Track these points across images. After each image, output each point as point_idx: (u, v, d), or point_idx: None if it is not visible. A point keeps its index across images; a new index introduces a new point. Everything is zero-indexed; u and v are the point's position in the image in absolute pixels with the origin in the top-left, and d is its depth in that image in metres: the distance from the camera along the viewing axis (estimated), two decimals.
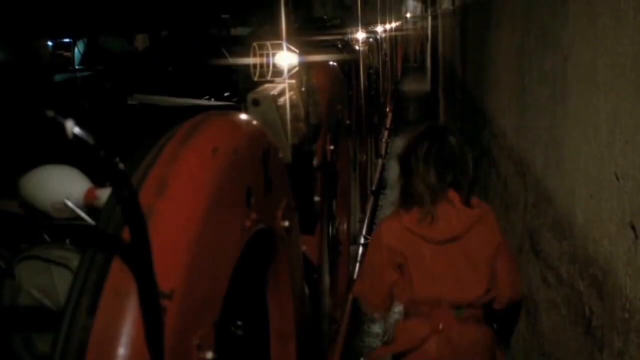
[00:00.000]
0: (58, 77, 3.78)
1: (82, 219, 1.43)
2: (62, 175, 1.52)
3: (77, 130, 0.95)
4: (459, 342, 2.78)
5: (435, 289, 2.77)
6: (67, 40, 4.51)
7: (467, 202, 2.76)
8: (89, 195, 1.48)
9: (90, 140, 0.96)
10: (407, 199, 2.83)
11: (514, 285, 2.88)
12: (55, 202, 1.47)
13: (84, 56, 4.28)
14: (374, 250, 3.01)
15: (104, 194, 1.46)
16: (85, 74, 3.93)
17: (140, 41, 5.23)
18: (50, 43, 4.56)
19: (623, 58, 1.73)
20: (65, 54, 4.70)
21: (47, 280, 1.46)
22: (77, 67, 4.16)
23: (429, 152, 2.75)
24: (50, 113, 0.95)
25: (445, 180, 2.74)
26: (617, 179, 1.79)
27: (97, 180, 1.50)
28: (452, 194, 2.75)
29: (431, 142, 2.78)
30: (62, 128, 0.94)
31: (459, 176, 2.76)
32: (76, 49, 4.21)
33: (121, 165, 1.03)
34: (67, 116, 0.94)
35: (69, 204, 1.47)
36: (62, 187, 1.48)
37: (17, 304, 1.47)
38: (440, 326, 2.76)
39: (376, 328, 5.44)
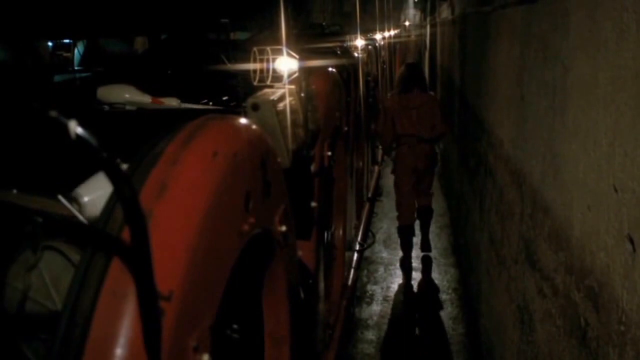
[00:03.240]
0: (57, 78, 3.78)
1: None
2: None
3: (79, 130, 0.95)
4: (419, 152, 6.77)
5: (408, 130, 6.78)
6: (67, 41, 4.52)
7: (423, 92, 6.97)
8: None
9: (93, 141, 0.96)
10: (400, 90, 7.01)
11: (443, 125, 6.89)
12: None
13: (84, 57, 4.28)
14: (384, 114, 7.15)
15: None
16: (85, 75, 3.93)
17: (140, 43, 5.23)
18: (50, 44, 4.55)
19: (624, 71, 1.74)
20: (65, 54, 4.70)
21: (65, 280, 1.44)
22: (76, 67, 4.16)
23: (406, 74, 7.12)
24: (53, 113, 0.95)
25: (413, 84, 6.92)
26: (616, 191, 1.79)
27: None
28: (416, 90, 6.91)
29: (407, 70, 7.22)
30: (65, 128, 0.94)
31: (421, 83, 7.06)
32: (76, 50, 4.21)
33: (123, 166, 1.03)
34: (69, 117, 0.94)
35: (64, 201, 1.46)
36: None
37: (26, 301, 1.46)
38: (411, 146, 6.77)
39: (369, 335, 5.45)
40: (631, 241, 1.67)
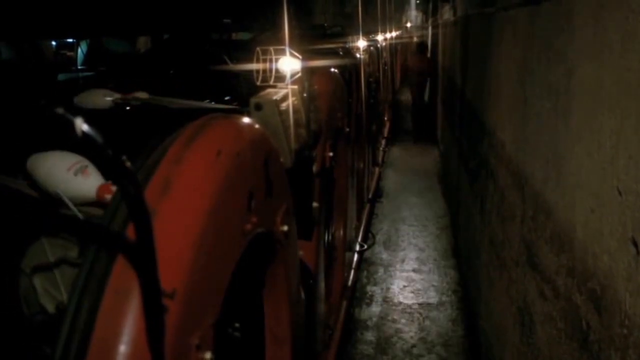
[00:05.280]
0: (61, 77, 3.78)
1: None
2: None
3: (85, 127, 0.95)
4: (417, 77, 15.70)
5: (415, 68, 15.65)
6: (70, 40, 4.52)
7: (423, 54, 16.05)
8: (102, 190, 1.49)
9: (99, 138, 0.96)
10: (415, 52, 16.80)
11: (431, 68, 15.34)
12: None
13: (87, 56, 4.28)
14: (408, 60, 18.95)
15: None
16: (88, 74, 3.93)
17: (143, 43, 5.23)
18: (53, 43, 4.56)
19: (629, 73, 1.74)
20: (68, 53, 4.70)
21: None
22: (79, 67, 4.16)
23: (417, 46, 17.08)
24: (60, 110, 0.95)
25: (420, 51, 16.11)
26: (620, 193, 1.79)
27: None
28: (423, 53, 16.09)
29: (420, 44, 17.13)
30: (71, 125, 0.94)
31: (424, 50, 16.36)
32: (79, 49, 4.21)
33: (128, 164, 1.02)
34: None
35: (62, 196, 1.46)
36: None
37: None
38: (414, 72, 15.93)
39: (369, 335, 5.45)
40: (635, 244, 1.67)
